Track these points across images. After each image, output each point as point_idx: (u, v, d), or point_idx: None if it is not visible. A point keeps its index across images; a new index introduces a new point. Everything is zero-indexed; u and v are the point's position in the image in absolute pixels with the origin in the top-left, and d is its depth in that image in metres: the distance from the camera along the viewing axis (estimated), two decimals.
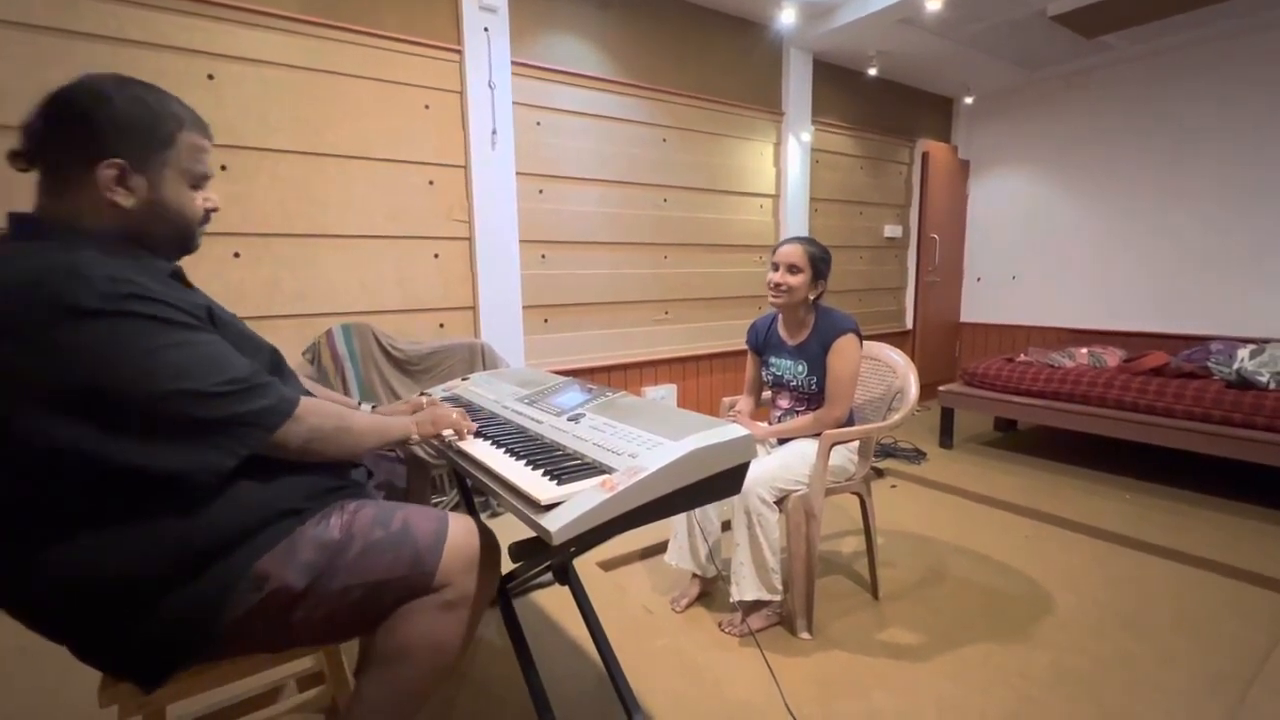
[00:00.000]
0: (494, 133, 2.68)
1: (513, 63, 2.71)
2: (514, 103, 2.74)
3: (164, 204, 0.87)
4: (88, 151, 0.81)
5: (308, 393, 0.98)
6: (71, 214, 0.82)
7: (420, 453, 1.33)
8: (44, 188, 0.83)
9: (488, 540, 0.99)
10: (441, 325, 2.71)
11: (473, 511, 1.51)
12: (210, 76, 2.12)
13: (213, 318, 0.87)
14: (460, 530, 0.95)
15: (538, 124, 2.86)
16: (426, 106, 2.56)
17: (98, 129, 0.81)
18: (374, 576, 0.88)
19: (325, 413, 0.91)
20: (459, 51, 2.60)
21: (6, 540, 0.76)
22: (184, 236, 0.92)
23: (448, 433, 1.12)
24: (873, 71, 4.01)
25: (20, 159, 0.82)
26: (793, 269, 1.82)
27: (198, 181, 0.91)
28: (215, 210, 0.96)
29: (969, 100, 4.64)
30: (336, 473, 0.98)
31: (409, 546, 0.90)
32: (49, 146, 0.82)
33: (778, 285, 1.84)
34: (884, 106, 4.43)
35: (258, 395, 0.83)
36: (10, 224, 0.82)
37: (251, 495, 0.85)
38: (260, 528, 0.85)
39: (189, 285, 0.94)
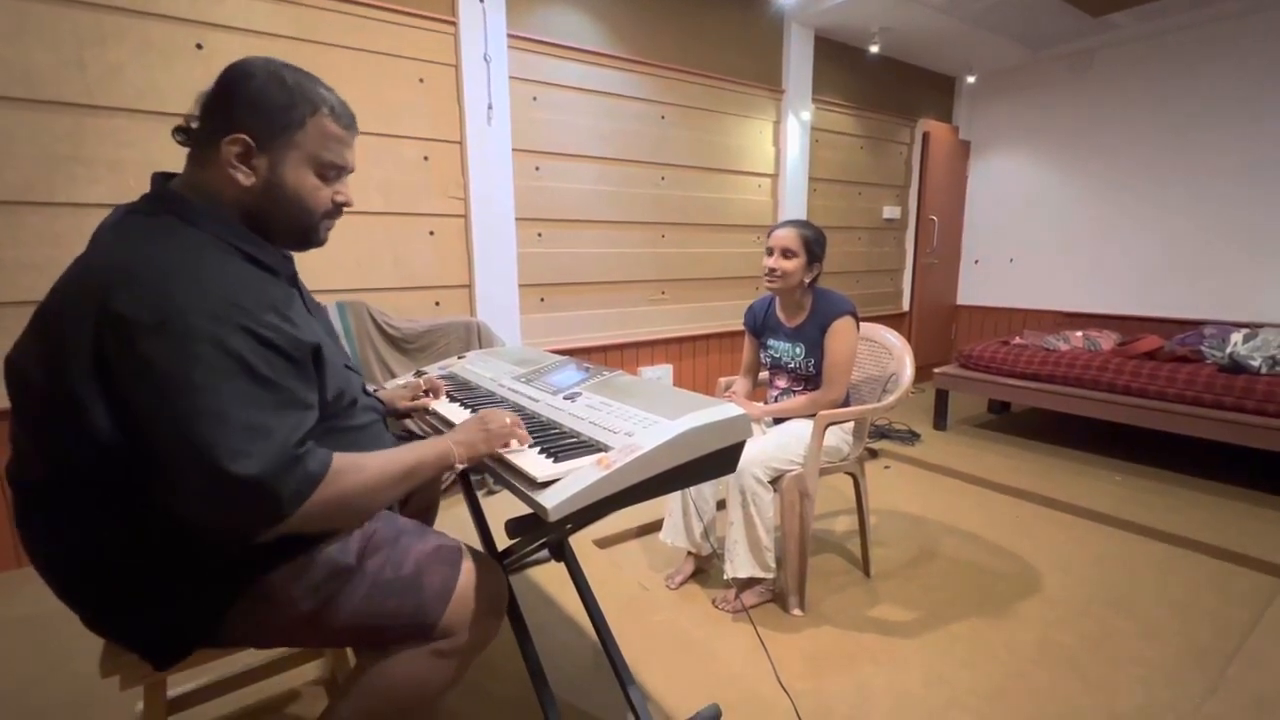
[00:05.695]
0: (490, 108, 2.64)
1: (509, 35, 2.66)
2: (510, 77, 2.69)
3: (281, 187, 0.83)
4: (221, 125, 0.80)
5: (379, 417, 0.98)
6: (207, 186, 0.81)
7: (418, 429, 1.33)
8: (190, 159, 0.84)
9: (497, 586, 0.96)
10: (437, 303, 2.70)
11: (469, 492, 1.51)
12: (199, 46, 2.07)
13: (318, 356, 0.82)
14: (470, 579, 0.92)
15: (534, 99, 2.82)
16: (420, 80, 2.52)
17: (233, 104, 0.80)
18: (375, 621, 0.86)
19: (344, 486, 0.78)
20: (453, 23, 2.54)
21: (59, 506, 0.78)
22: (303, 227, 0.87)
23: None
24: (875, 49, 3.95)
25: (181, 133, 0.84)
26: (786, 253, 1.81)
27: (326, 171, 0.86)
28: (346, 205, 0.91)
29: (971, 80, 4.59)
30: None
31: (415, 595, 0.87)
32: (199, 121, 0.82)
33: (772, 271, 1.83)
34: (885, 85, 4.37)
35: (280, 481, 0.72)
36: (153, 186, 0.83)
37: None
38: (279, 547, 0.81)
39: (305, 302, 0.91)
